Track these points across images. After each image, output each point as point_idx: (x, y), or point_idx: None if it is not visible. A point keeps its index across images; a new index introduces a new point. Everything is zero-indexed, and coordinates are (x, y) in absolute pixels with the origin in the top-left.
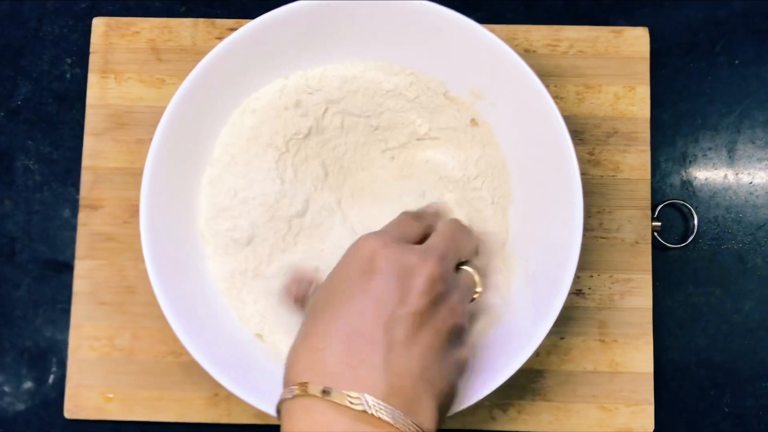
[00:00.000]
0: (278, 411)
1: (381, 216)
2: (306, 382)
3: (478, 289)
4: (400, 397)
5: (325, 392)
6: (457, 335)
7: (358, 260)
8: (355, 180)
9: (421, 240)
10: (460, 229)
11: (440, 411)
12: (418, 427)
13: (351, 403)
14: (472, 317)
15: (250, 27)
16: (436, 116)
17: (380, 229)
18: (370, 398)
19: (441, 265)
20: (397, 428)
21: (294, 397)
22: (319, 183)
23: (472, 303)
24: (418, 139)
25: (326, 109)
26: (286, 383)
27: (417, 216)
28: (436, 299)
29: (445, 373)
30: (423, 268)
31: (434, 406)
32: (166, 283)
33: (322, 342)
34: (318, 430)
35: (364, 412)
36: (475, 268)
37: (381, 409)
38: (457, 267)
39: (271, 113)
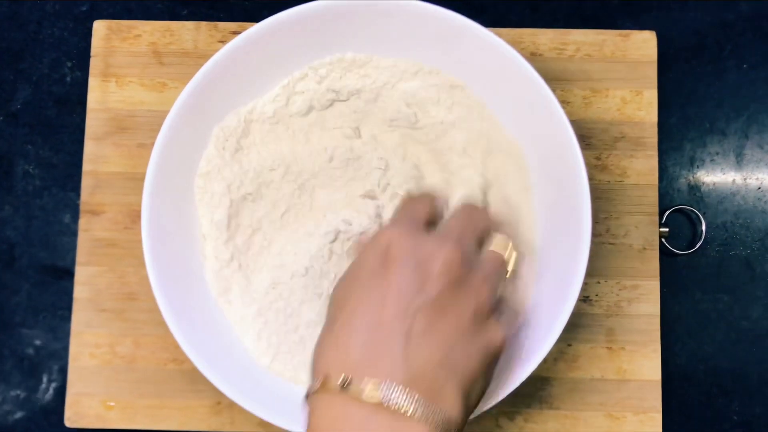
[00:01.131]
0: (306, 402)
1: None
2: (328, 375)
3: (511, 263)
4: (421, 384)
5: (345, 384)
6: (483, 316)
7: (375, 251)
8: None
9: (432, 222)
10: (473, 208)
11: (467, 397)
12: (443, 414)
13: (370, 393)
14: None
15: (254, 30)
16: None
17: (394, 217)
18: (390, 385)
19: (458, 248)
20: (416, 417)
21: (317, 390)
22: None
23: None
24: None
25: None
26: (313, 375)
27: (421, 198)
28: (456, 282)
29: (472, 357)
30: (439, 252)
31: (459, 392)
32: (167, 290)
33: (345, 334)
34: (334, 423)
35: (381, 404)
36: (501, 241)
37: (402, 397)
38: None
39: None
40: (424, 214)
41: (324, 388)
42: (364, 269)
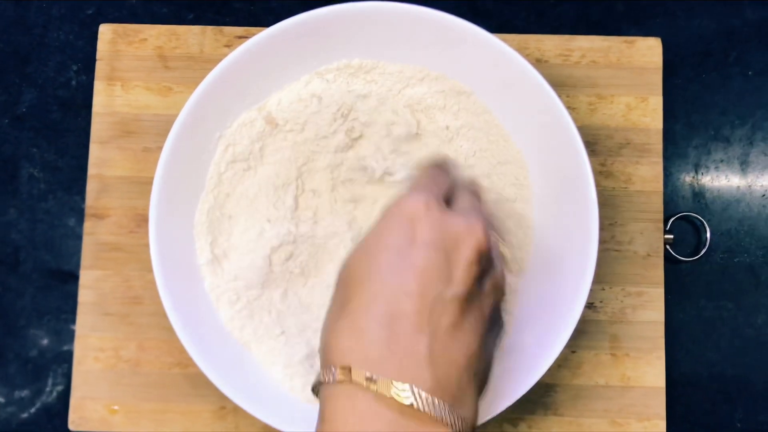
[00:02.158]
0: (315, 391)
1: None
2: (349, 367)
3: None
4: (446, 390)
5: (370, 380)
6: (498, 310)
7: (399, 225)
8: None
9: (448, 197)
10: (479, 185)
11: (478, 393)
12: (463, 420)
13: (398, 395)
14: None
15: (262, 36)
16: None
17: (416, 183)
18: (418, 391)
19: (487, 232)
20: (444, 423)
21: (335, 382)
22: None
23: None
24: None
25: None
26: (326, 362)
27: (441, 167)
28: (482, 274)
29: (488, 354)
30: (470, 238)
31: (476, 395)
32: (173, 294)
33: (364, 320)
34: (361, 421)
35: (411, 405)
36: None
37: (430, 403)
38: None
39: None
40: (445, 186)
41: (345, 380)
42: (385, 243)
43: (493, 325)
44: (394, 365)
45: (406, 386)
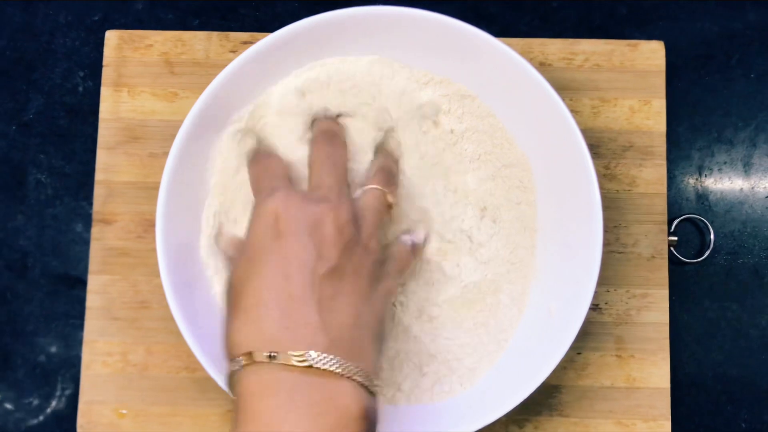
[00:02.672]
0: (229, 385)
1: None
2: (250, 352)
3: (390, 200)
4: (341, 347)
5: (271, 357)
6: (378, 269)
7: (265, 226)
8: None
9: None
10: (332, 147)
11: (380, 344)
12: (361, 370)
13: (297, 362)
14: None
15: (269, 40)
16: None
17: (260, 186)
18: (313, 353)
19: (342, 205)
20: (341, 374)
21: (242, 367)
22: None
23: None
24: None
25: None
26: (230, 356)
27: (266, 156)
28: (349, 244)
29: (376, 309)
30: (328, 216)
31: (374, 344)
32: (181, 298)
33: (256, 311)
34: (268, 388)
35: (310, 366)
36: (381, 171)
37: (325, 361)
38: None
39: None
40: (284, 171)
41: (249, 363)
42: (257, 247)
43: (376, 282)
44: (290, 339)
45: (302, 352)
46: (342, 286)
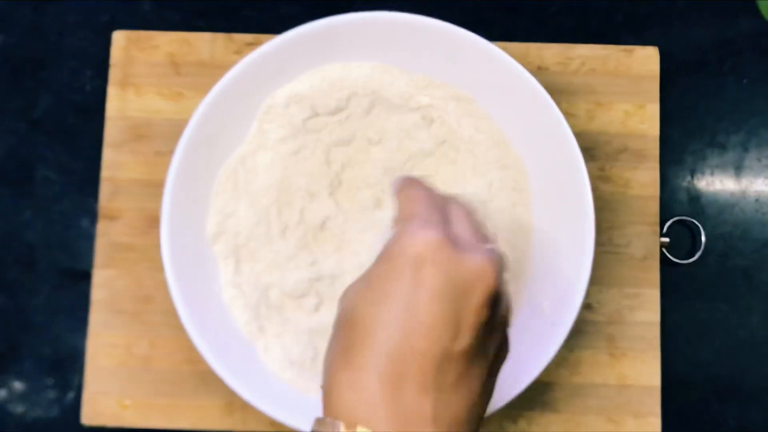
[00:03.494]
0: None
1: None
2: (355, 423)
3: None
4: None
5: None
6: (504, 339)
7: (405, 270)
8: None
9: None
10: (471, 208)
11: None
12: None
13: None
14: None
15: (274, 43)
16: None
17: (413, 212)
18: None
19: (497, 270)
20: None
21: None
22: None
23: None
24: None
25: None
26: (330, 413)
27: (425, 186)
28: (491, 319)
29: (488, 396)
30: (480, 282)
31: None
32: (185, 292)
33: (369, 376)
34: None
35: None
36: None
37: None
38: None
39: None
40: (442, 207)
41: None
42: (391, 291)
43: (497, 360)
44: (397, 424)
45: None
46: (468, 371)
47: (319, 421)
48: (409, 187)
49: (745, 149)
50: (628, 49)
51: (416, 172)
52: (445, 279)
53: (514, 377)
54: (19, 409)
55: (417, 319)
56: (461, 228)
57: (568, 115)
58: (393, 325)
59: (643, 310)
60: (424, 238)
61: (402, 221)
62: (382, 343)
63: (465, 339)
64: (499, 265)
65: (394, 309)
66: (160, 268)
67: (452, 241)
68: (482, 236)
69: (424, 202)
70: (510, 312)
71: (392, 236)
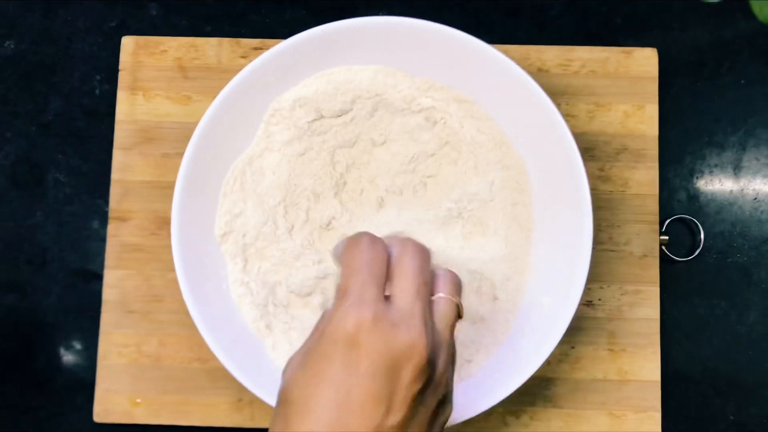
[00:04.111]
0: None
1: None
2: None
3: (461, 316)
4: None
5: None
6: (444, 398)
7: (338, 353)
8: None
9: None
10: (422, 256)
11: None
12: None
13: None
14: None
15: (279, 48)
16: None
17: (354, 288)
18: None
19: (427, 335)
20: None
21: None
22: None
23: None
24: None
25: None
26: None
27: (372, 245)
28: (423, 389)
29: None
30: (411, 357)
31: None
32: (194, 291)
33: None
34: None
35: None
36: (451, 282)
37: None
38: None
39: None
40: (383, 275)
41: None
42: (326, 374)
43: (439, 413)
44: None
45: None
46: None
47: None
48: (352, 250)
49: (744, 148)
50: (627, 50)
51: (419, 172)
52: (376, 360)
53: (515, 371)
54: (32, 406)
55: (349, 399)
56: (401, 287)
57: (568, 116)
58: (327, 406)
59: (643, 306)
60: (355, 319)
61: (339, 293)
62: (317, 423)
63: (398, 413)
64: (428, 336)
65: (326, 389)
66: (169, 268)
67: (384, 318)
68: (426, 285)
69: (363, 273)
70: (453, 364)
71: (328, 311)
